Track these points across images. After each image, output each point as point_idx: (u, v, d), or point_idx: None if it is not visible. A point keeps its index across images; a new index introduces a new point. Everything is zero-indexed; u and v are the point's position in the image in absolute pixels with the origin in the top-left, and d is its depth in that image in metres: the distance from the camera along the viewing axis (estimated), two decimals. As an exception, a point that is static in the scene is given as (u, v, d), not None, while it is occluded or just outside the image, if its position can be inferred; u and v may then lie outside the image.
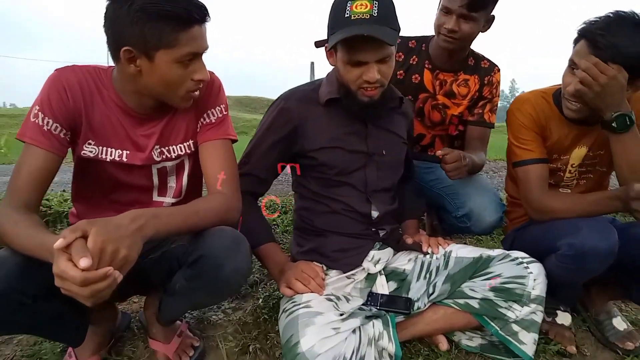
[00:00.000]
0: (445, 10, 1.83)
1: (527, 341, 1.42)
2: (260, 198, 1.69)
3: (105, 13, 1.15)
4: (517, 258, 1.47)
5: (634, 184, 1.29)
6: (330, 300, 1.33)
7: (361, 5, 1.33)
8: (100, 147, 1.29)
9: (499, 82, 2.04)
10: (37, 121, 1.19)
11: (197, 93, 1.28)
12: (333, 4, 1.40)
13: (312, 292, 1.32)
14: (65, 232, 0.91)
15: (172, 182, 1.42)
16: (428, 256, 1.58)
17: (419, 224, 1.83)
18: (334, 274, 1.47)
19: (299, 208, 1.62)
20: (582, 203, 1.50)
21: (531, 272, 1.43)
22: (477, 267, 1.48)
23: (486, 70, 2.03)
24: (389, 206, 1.58)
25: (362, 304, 1.44)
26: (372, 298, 1.46)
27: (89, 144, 1.28)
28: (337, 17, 1.36)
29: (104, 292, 0.90)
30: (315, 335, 1.16)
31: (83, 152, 1.28)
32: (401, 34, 2.01)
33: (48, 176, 1.21)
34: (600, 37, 1.34)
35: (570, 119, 1.56)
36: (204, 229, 1.19)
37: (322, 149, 1.49)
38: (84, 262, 0.85)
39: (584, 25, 1.40)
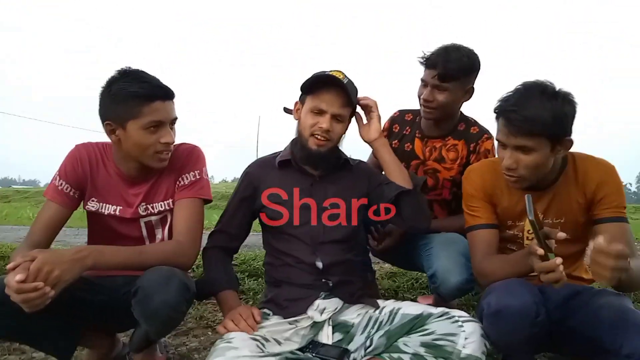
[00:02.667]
0: (423, 83, 2.03)
1: None
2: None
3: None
4: (454, 316, 1.49)
5: (534, 245, 1.29)
6: (255, 340, 1.46)
7: (337, 73, 1.68)
8: (101, 203, 1.68)
9: (488, 150, 2.07)
10: (55, 183, 1.64)
11: (167, 154, 1.62)
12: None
13: (241, 331, 1.49)
14: (17, 256, 1.26)
15: (159, 234, 1.75)
16: (377, 311, 1.65)
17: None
18: (274, 319, 1.61)
19: (265, 263, 1.83)
20: (506, 263, 1.51)
21: (464, 331, 1.44)
22: (415, 324, 1.52)
23: (473, 136, 2.10)
24: (338, 257, 1.70)
25: (299, 349, 1.55)
26: (312, 346, 1.57)
27: (92, 200, 1.68)
28: (315, 76, 1.68)
29: (36, 301, 1.22)
30: None
31: (87, 206, 1.68)
32: (401, 107, 2.27)
33: (57, 224, 1.62)
34: (514, 114, 1.42)
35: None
36: (151, 267, 1.45)
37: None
38: (17, 277, 1.19)
39: (498, 103, 1.49)
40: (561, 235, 1.30)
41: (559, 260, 1.25)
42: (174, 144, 1.66)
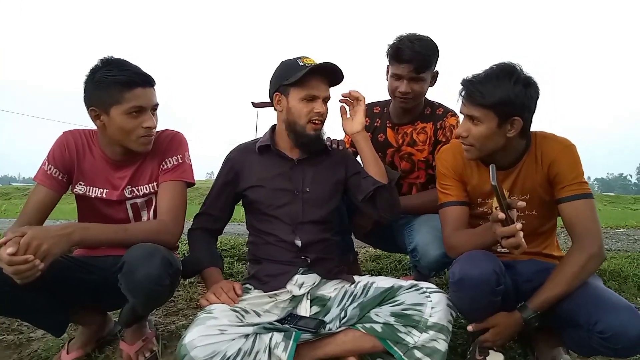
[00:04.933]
0: (395, 77, 2.11)
1: None
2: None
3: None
4: (422, 288, 1.59)
5: (497, 211, 1.37)
6: (235, 311, 1.55)
7: (309, 59, 1.77)
8: (88, 187, 1.77)
9: (453, 126, 2.18)
10: (44, 167, 1.72)
11: (150, 139, 1.70)
12: (279, 65, 1.81)
13: (222, 303, 1.58)
14: (8, 232, 1.35)
15: (144, 216, 1.84)
16: (353, 285, 1.75)
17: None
18: (255, 293, 1.71)
19: (248, 242, 1.92)
20: (472, 235, 1.60)
21: (430, 300, 1.54)
22: (386, 295, 1.62)
23: (439, 116, 2.22)
24: (316, 236, 1.80)
25: (278, 320, 1.65)
26: (290, 317, 1.66)
27: (80, 184, 1.77)
28: (290, 69, 1.76)
29: (26, 273, 1.31)
30: (199, 332, 1.39)
31: (75, 189, 1.77)
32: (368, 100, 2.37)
33: (47, 207, 1.71)
34: (470, 85, 1.52)
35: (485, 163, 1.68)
36: (135, 244, 1.54)
37: (251, 188, 1.83)
38: (8, 250, 1.28)
39: (463, 78, 1.58)
40: (521, 204, 1.39)
41: (518, 225, 1.34)
42: (158, 129, 1.75)
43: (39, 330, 2.07)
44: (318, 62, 1.74)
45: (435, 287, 1.59)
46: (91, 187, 1.77)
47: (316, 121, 1.78)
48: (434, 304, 1.53)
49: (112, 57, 1.65)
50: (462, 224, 1.70)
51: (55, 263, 1.58)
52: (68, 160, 1.74)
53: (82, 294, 1.70)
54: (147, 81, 1.65)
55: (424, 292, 1.57)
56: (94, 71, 1.62)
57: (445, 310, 1.53)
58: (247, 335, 1.47)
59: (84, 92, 1.64)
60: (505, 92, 1.49)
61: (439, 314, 1.52)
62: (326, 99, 1.80)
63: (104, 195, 1.77)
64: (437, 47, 2.09)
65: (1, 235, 3.40)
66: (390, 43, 2.09)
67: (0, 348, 1.95)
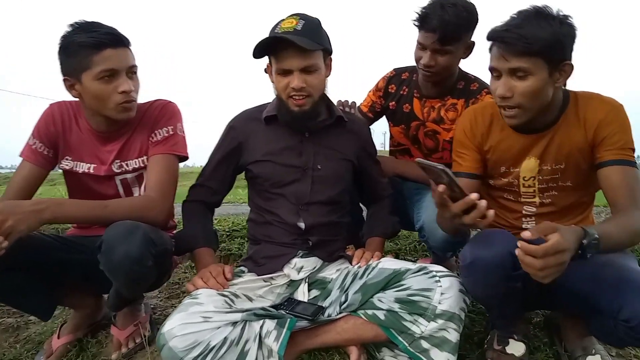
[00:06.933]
0: (420, 46, 1.85)
1: None
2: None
3: None
4: (431, 271, 1.41)
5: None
6: (224, 295, 1.42)
7: (289, 22, 1.52)
8: (75, 162, 1.65)
9: None
10: (29, 143, 1.62)
11: (130, 104, 1.54)
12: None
13: (210, 288, 1.44)
14: None
15: (136, 192, 1.71)
16: (356, 265, 1.59)
17: (383, 243, 1.81)
18: (248, 276, 1.57)
19: (249, 220, 1.78)
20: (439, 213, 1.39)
21: (440, 286, 1.37)
22: (391, 279, 1.45)
23: (472, 92, 1.94)
24: (322, 218, 1.64)
25: (273, 306, 1.51)
26: (287, 303, 1.52)
27: (67, 159, 1.66)
28: (269, 35, 1.54)
29: None
30: (179, 319, 1.26)
31: (61, 165, 1.66)
32: (402, 64, 2.10)
33: (31, 184, 1.61)
34: (507, 33, 1.29)
35: (515, 127, 1.47)
36: (117, 221, 1.41)
37: (257, 162, 1.66)
38: None
39: (491, 30, 1.36)
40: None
41: (473, 195, 1.16)
42: (150, 99, 1.63)
43: (38, 314, 2.01)
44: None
45: (447, 270, 1.42)
46: (78, 162, 1.65)
47: (296, 97, 1.56)
48: (443, 290, 1.36)
49: (82, 20, 1.50)
50: None
51: (40, 242, 1.51)
52: (53, 134, 1.63)
53: (71, 275, 1.60)
54: (118, 41, 1.48)
55: (434, 276, 1.40)
56: (63, 38, 1.47)
57: (457, 296, 1.36)
58: (235, 323, 1.33)
59: (59, 63, 1.51)
60: (553, 33, 1.26)
61: (449, 300, 1.35)
62: (308, 68, 1.52)
63: (92, 171, 1.65)
64: (474, 15, 1.79)
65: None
66: (424, 5, 1.80)
67: (-2, 330, 1.90)
